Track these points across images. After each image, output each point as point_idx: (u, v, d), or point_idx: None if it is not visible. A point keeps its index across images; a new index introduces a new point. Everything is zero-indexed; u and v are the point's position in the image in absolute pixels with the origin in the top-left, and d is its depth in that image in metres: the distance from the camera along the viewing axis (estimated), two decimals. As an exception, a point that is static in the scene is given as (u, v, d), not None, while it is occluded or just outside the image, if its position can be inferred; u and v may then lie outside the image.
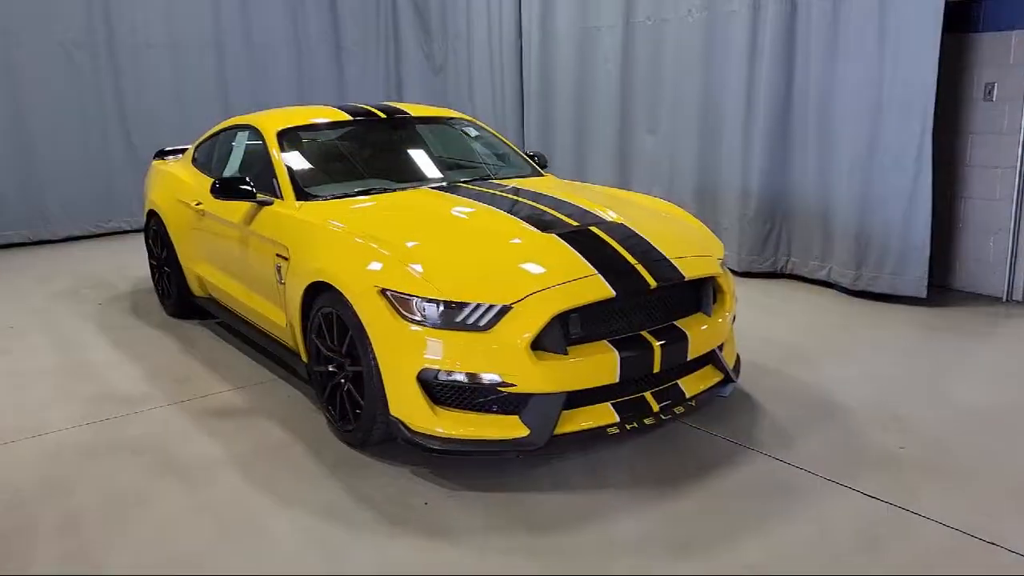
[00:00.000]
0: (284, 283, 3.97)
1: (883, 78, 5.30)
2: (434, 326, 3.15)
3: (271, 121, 4.73)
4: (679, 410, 3.40)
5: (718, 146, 6.41)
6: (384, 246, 3.44)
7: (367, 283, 3.31)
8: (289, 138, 4.55)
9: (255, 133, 4.80)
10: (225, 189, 4.23)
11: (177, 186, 5.40)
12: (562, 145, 7.81)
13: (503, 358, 3.09)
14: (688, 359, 3.44)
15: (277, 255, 4.04)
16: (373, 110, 4.97)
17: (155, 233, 5.69)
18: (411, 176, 4.63)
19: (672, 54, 6.66)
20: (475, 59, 9.00)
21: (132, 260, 7.51)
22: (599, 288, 3.21)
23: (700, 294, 3.60)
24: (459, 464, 3.38)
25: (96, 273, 7.07)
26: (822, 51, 5.60)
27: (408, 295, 3.19)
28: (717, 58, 6.28)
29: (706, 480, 3.22)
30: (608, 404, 3.26)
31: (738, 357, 3.88)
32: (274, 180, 4.33)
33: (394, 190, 4.33)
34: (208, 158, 5.38)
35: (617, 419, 3.23)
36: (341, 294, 3.41)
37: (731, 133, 6.27)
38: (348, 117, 4.84)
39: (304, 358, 3.94)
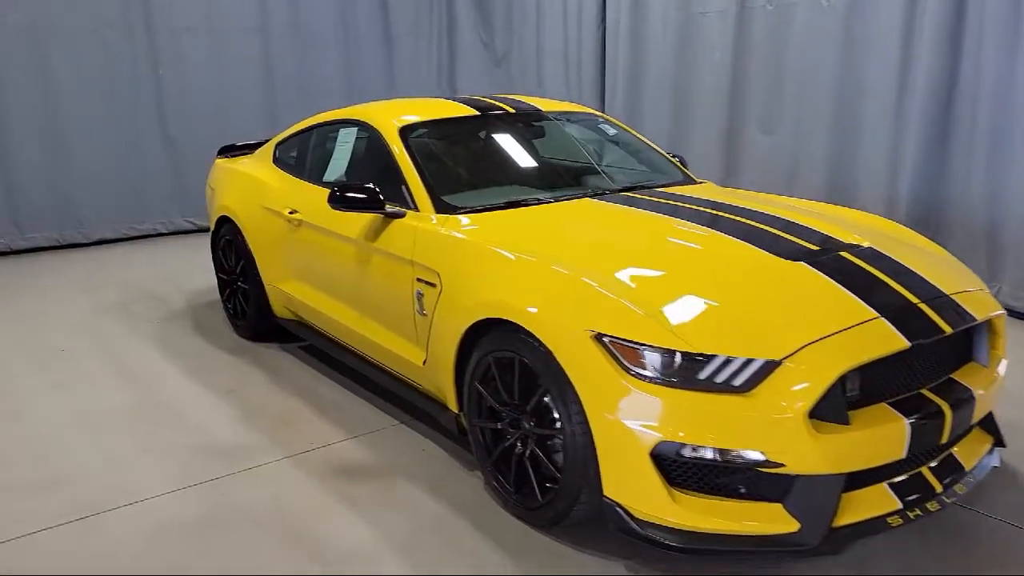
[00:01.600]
0: (428, 314, 3.24)
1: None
2: (669, 384, 2.43)
3: (386, 115, 3.99)
4: (960, 489, 2.68)
5: (855, 147, 5.69)
6: (591, 276, 2.71)
7: (575, 325, 2.58)
8: (414, 136, 3.81)
9: (366, 129, 4.07)
10: (349, 199, 3.48)
11: (259, 190, 4.65)
12: (653, 145, 7.08)
13: (767, 429, 2.37)
14: (972, 422, 2.73)
15: (418, 280, 3.31)
16: (499, 104, 4.23)
17: (227, 243, 4.94)
18: (559, 182, 3.91)
19: (799, 43, 5.93)
20: (546, 50, 8.25)
21: (177, 268, 6.78)
22: (887, 337, 2.49)
23: (971, 339, 2.88)
24: (685, 558, 2.66)
25: (141, 283, 6.32)
26: (1001, 31, 4.83)
27: (636, 343, 2.47)
28: (860, 46, 5.55)
29: (1023, 587, 2.51)
30: (884, 485, 2.54)
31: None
32: (403, 188, 3.59)
33: (549, 200, 3.58)
34: (297, 158, 4.63)
35: (899, 505, 2.52)
36: (531, 336, 2.69)
37: (874, 132, 5.55)
38: (473, 112, 4.10)
39: (453, 407, 3.21)
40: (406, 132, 3.81)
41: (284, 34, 8.66)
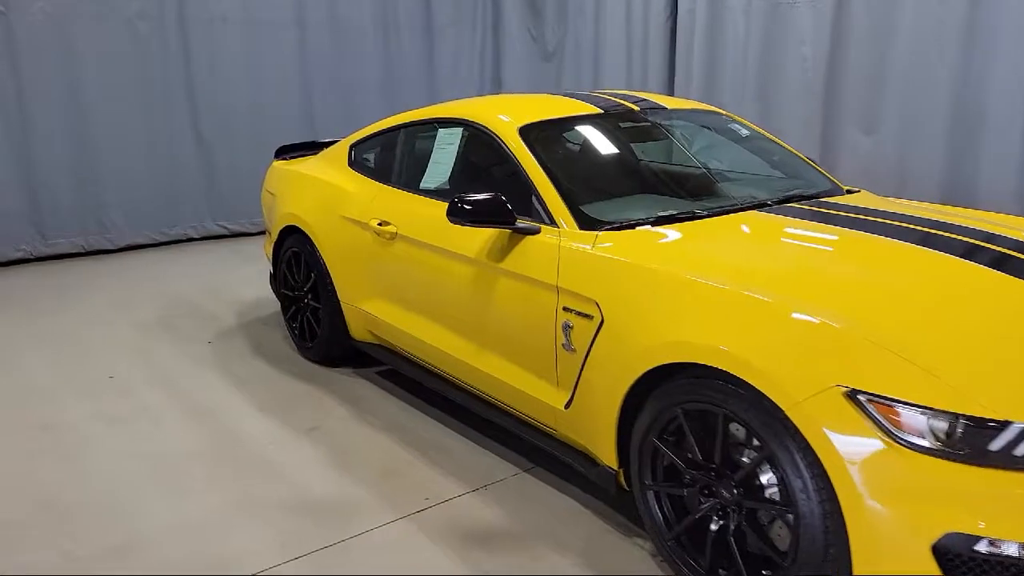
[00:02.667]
0: (578, 351, 2.71)
1: None
2: (953, 457, 1.90)
3: (498, 113, 3.46)
4: None
5: (976, 146, 5.16)
6: (826, 314, 2.17)
7: (817, 377, 2.05)
8: (538, 139, 3.27)
9: (470, 129, 3.54)
10: (474, 212, 2.94)
11: (335, 197, 4.11)
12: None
13: (1088, 517, 1.85)
14: None
15: (564, 309, 2.77)
16: (619, 100, 3.70)
17: (294, 256, 4.39)
18: (703, 191, 3.40)
19: (907, 34, 5.40)
20: (605, 44, 7.69)
21: (216, 277, 6.23)
22: None
23: None
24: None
25: (181, 295, 5.77)
26: None
27: (904, 403, 1.95)
28: (984, 33, 5.02)
29: None
30: None
31: None
32: (533, 199, 3.06)
33: (704, 214, 3.04)
34: (382, 162, 4.09)
35: None
36: (746, 387, 2.16)
37: (1000, 128, 5.01)
38: (596, 109, 3.57)
39: (610, 463, 2.68)
40: (527, 133, 3.27)
41: (322, 26, 8.11)
